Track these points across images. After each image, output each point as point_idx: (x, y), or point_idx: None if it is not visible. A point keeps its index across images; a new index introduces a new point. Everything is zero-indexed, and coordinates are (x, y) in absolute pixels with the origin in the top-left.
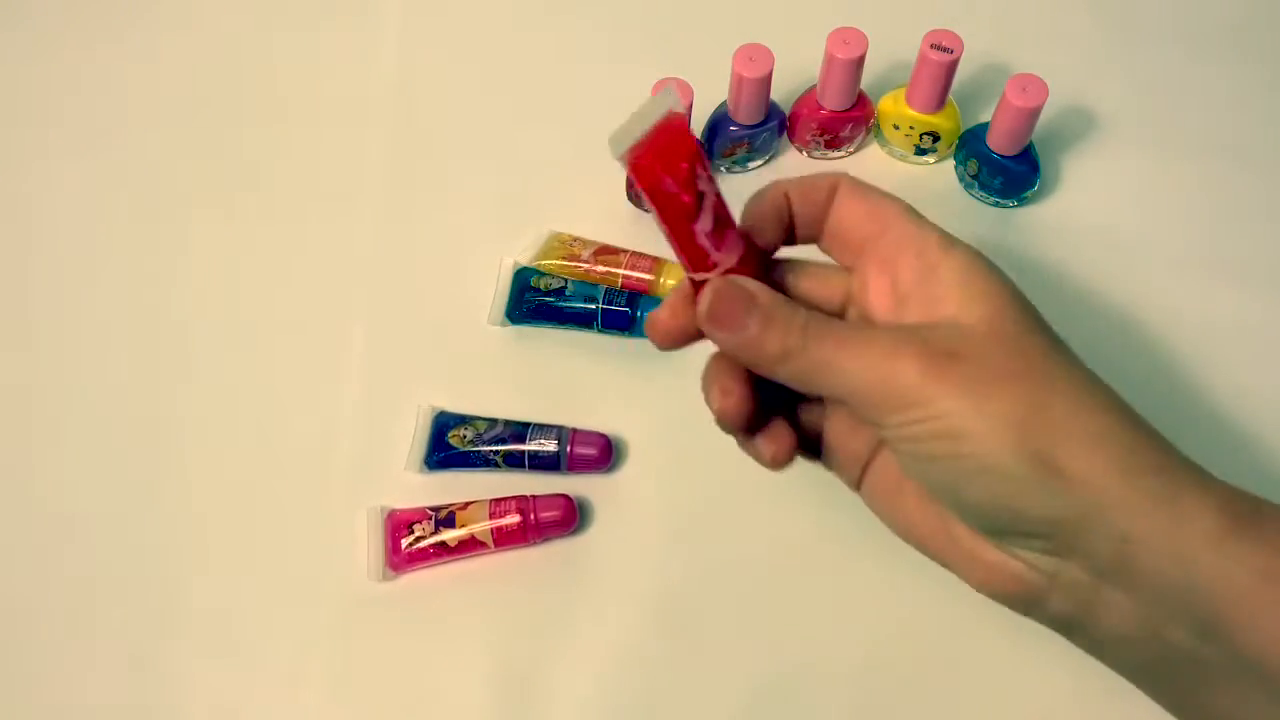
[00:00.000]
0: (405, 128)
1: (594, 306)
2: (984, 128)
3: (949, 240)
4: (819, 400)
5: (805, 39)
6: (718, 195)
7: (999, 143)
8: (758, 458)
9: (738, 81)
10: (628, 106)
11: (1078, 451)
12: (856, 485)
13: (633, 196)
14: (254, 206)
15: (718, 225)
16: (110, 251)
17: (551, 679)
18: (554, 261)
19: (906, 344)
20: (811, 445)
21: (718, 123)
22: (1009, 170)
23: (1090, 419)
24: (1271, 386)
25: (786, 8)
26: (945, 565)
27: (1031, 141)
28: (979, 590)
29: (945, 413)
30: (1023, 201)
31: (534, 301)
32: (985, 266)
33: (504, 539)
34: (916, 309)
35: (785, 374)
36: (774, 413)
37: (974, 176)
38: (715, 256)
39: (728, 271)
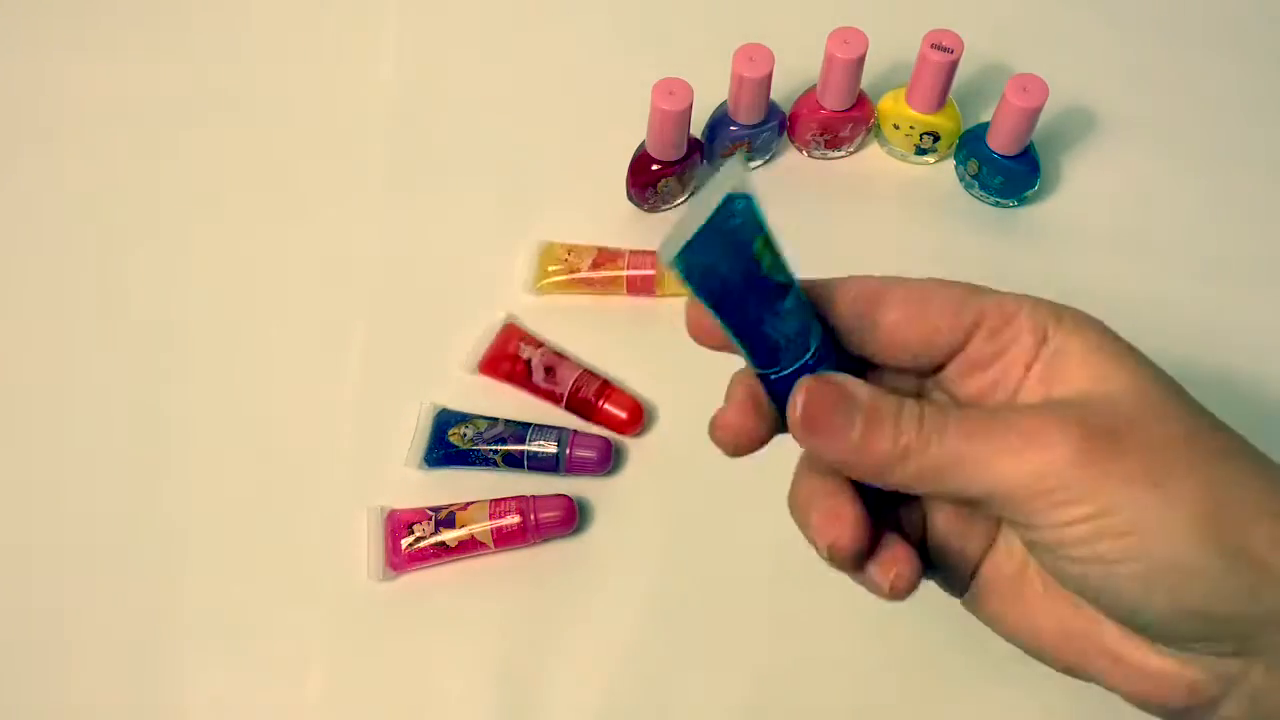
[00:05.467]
0: (406, 126)
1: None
2: (984, 127)
3: (1057, 308)
4: (915, 499)
5: (805, 39)
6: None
7: (999, 142)
8: (873, 588)
9: (738, 81)
10: (628, 106)
11: (1273, 537)
12: (962, 589)
13: (633, 196)
14: (254, 205)
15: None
16: (110, 251)
17: (551, 679)
18: (553, 280)
19: (1054, 425)
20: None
21: (718, 122)
22: (1009, 170)
23: (1276, 499)
24: (1273, 384)
25: (787, 8)
26: (1083, 676)
27: (1032, 141)
28: (1134, 703)
29: (1116, 506)
30: (1023, 201)
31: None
32: (1106, 330)
33: (504, 539)
34: (1034, 390)
35: (902, 479)
36: (878, 524)
37: (974, 176)
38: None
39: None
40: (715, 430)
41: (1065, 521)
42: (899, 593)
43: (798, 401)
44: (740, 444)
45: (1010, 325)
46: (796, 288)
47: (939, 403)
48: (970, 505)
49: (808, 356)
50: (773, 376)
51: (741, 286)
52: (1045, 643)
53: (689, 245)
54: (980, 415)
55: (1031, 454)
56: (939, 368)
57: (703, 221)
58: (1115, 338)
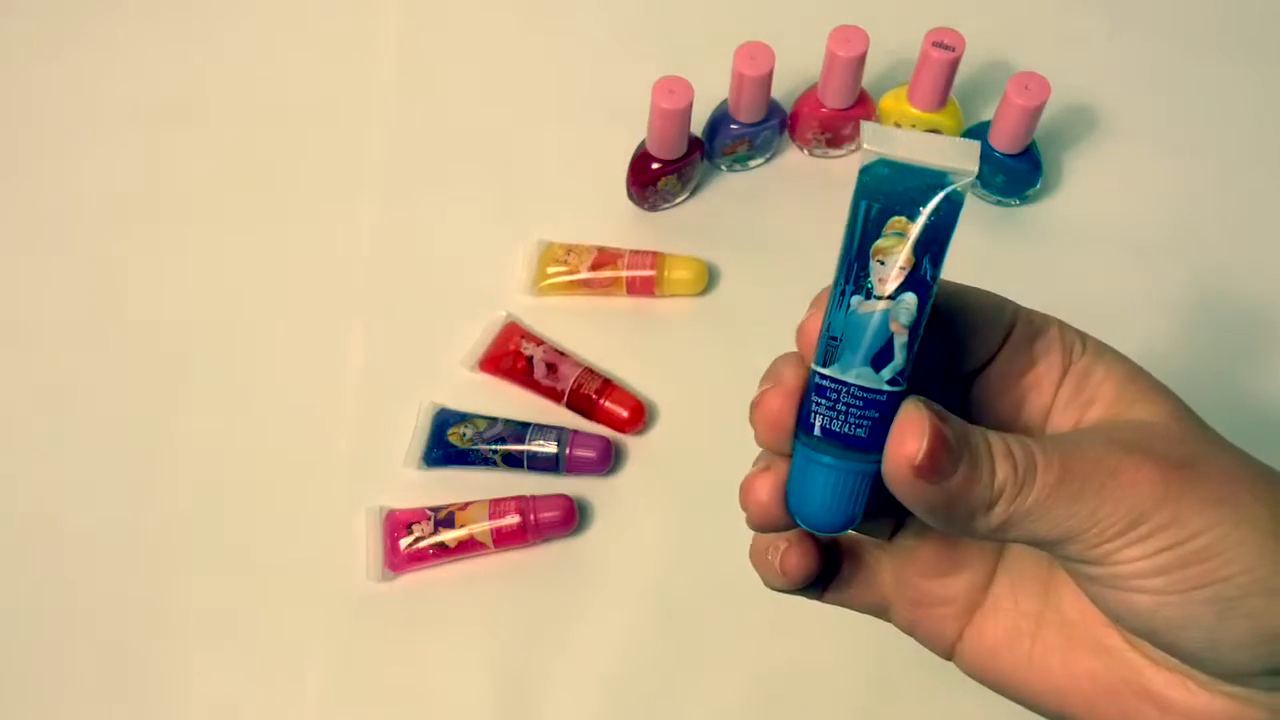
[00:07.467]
0: (405, 126)
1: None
2: (986, 126)
3: (1079, 331)
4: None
5: (806, 37)
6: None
7: (1001, 141)
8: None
9: (738, 80)
10: (628, 105)
11: None
12: (949, 647)
13: (633, 195)
14: (254, 205)
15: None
16: (110, 251)
17: (551, 679)
18: (553, 282)
19: (1129, 459)
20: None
21: (718, 121)
22: (1011, 169)
23: None
24: (1274, 384)
25: (787, 6)
26: None
27: (1034, 140)
28: None
29: (1198, 531)
30: (1025, 200)
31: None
32: (1125, 357)
33: (503, 539)
34: (1064, 411)
35: (984, 526)
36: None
37: (976, 175)
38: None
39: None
40: (756, 410)
41: (1147, 553)
42: (796, 577)
43: (920, 437)
44: (781, 433)
45: (1041, 338)
46: (892, 313)
47: (1023, 438)
48: (1035, 546)
49: (849, 378)
50: (834, 380)
51: (863, 234)
52: (1075, 700)
53: (894, 165)
54: (1058, 450)
55: (1117, 493)
56: (967, 381)
57: (917, 164)
58: (1134, 363)
